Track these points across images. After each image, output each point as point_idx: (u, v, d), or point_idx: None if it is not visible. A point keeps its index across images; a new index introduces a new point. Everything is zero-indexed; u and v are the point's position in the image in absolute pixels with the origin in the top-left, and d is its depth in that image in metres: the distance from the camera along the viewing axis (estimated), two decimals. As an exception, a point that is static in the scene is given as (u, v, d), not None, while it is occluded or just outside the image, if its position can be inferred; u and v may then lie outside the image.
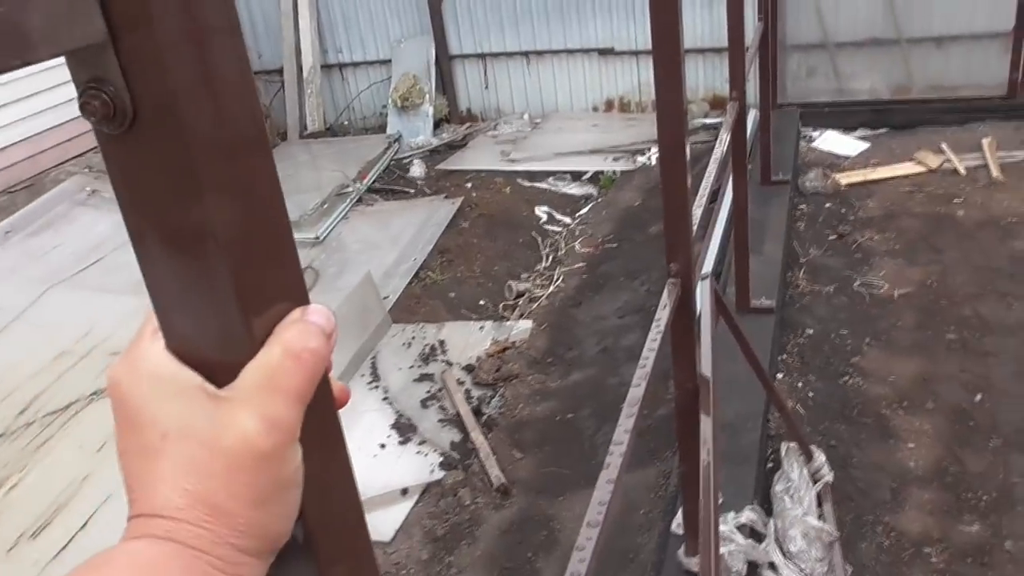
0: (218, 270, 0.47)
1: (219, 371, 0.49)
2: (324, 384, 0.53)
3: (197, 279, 0.48)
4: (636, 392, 1.91)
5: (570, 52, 7.70)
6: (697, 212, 2.96)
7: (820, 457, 3.28)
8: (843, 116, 6.52)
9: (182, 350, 0.50)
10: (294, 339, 0.49)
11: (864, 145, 6.11)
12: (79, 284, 5.58)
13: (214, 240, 0.46)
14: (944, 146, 5.79)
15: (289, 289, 0.52)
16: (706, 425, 2.44)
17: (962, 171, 5.45)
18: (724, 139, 3.48)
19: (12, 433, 4.37)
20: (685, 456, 2.56)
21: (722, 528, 2.81)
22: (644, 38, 7.36)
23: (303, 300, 0.53)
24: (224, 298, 0.48)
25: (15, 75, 6.62)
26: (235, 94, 0.47)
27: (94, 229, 6.17)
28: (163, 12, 0.43)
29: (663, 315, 2.18)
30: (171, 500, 0.46)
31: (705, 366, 2.53)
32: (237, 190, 0.48)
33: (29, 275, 5.68)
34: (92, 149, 7.10)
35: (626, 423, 1.82)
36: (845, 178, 5.58)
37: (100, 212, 6.35)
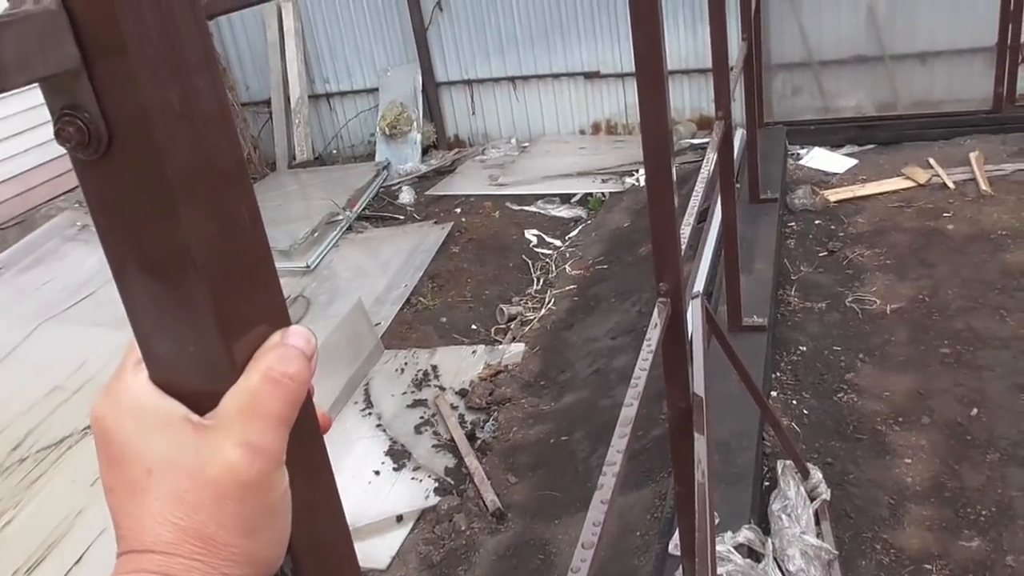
0: (197, 294, 0.47)
1: (202, 399, 0.48)
2: (308, 407, 0.52)
3: (176, 304, 0.48)
4: (628, 412, 1.90)
5: (556, 76, 7.77)
6: (685, 231, 2.96)
7: (817, 475, 3.26)
8: (830, 133, 6.57)
9: (165, 379, 0.49)
10: (274, 363, 0.49)
11: (852, 162, 6.15)
12: (70, 319, 5.55)
13: (192, 264, 0.46)
14: (932, 161, 5.83)
15: (270, 312, 0.51)
16: (700, 444, 2.42)
17: (951, 185, 5.49)
18: (711, 158, 3.50)
19: (6, 469, 4.33)
20: (680, 477, 2.54)
21: (719, 548, 2.79)
22: (629, 61, 7.40)
23: (285, 323, 0.52)
24: (204, 323, 0.47)
25: (6, 111, 6.63)
26: (211, 118, 0.47)
27: (84, 264, 6.15)
28: (137, 38, 0.43)
29: (654, 335, 2.17)
30: (161, 535, 0.45)
31: (698, 385, 2.52)
32: (215, 213, 0.47)
33: (21, 311, 5.65)
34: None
35: (619, 443, 1.80)
36: (834, 195, 5.61)
37: (90, 247, 6.32)
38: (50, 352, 5.23)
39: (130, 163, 0.45)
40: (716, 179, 3.88)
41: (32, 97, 6.56)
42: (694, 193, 3.17)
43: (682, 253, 2.43)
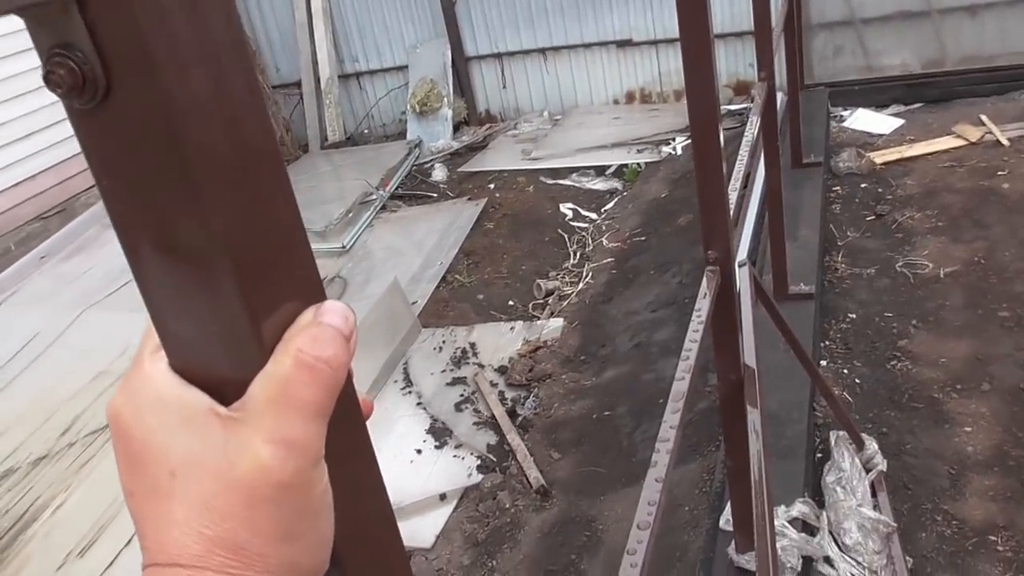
0: (219, 267, 0.40)
1: (229, 388, 0.42)
2: (348, 392, 0.45)
3: (195, 279, 0.41)
4: (680, 386, 1.81)
5: (587, 46, 7.61)
6: (731, 197, 2.85)
7: (872, 445, 3.15)
8: (874, 93, 6.34)
9: (186, 366, 0.43)
10: (307, 346, 0.42)
11: (898, 122, 5.93)
12: (113, 305, 5.60)
13: (211, 232, 0.39)
14: (984, 118, 5.59)
15: (304, 287, 0.44)
16: (754, 416, 2.33)
17: (1005, 142, 5.26)
18: (754, 122, 3.37)
19: (56, 454, 4.39)
20: (732, 451, 2.46)
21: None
22: (662, 27, 7.25)
23: (318, 298, 0.45)
24: (228, 299, 0.40)
25: (44, 101, 6.69)
26: (229, 58, 0.39)
27: (114, 252, 6.20)
28: None
29: (703, 304, 2.08)
30: (188, 547, 0.40)
31: (749, 356, 2.42)
32: (235, 172, 0.40)
33: (64, 299, 5.72)
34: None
35: (671, 419, 1.72)
36: (880, 157, 5.41)
37: (127, 232, 6.37)
38: (94, 338, 5.29)
39: (133, 112, 0.38)
40: (759, 143, 3.75)
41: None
42: (737, 158, 3.06)
43: (730, 218, 2.34)
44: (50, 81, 0.38)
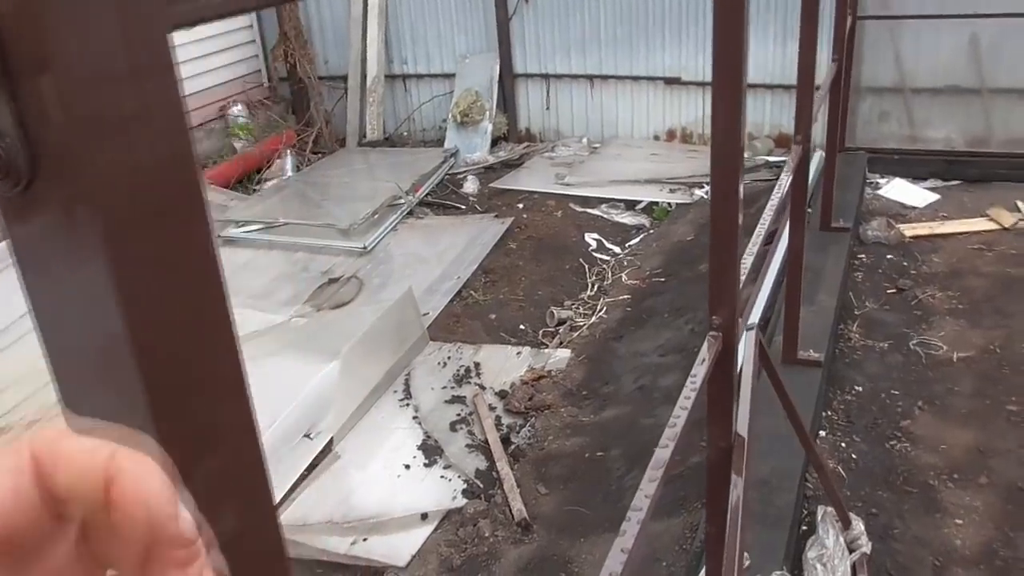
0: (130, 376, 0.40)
1: None
2: None
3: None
4: (662, 454, 1.80)
5: (635, 79, 7.61)
6: (748, 260, 2.84)
7: (858, 525, 3.11)
8: (913, 165, 6.29)
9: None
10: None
11: (933, 196, 5.87)
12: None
13: (127, 339, 0.39)
14: (1020, 204, 5.52)
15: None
16: (737, 487, 2.31)
17: (1037, 232, 5.20)
18: (784, 183, 3.35)
19: (49, 421, 4.43)
20: (712, 517, 2.43)
21: (747, 595, 2.67)
22: (707, 70, 7.23)
23: (234, 384, 0.45)
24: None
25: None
26: (160, 148, 0.39)
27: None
28: (67, 50, 0.35)
29: (700, 371, 2.07)
30: None
31: (742, 425, 2.40)
32: (161, 266, 0.40)
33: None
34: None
35: (648, 488, 1.71)
36: (910, 229, 5.36)
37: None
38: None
39: (56, 200, 0.38)
40: (787, 204, 3.72)
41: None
42: (761, 220, 3.04)
43: (740, 285, 2.32)
44: None
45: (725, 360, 2.23)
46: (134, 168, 0.38)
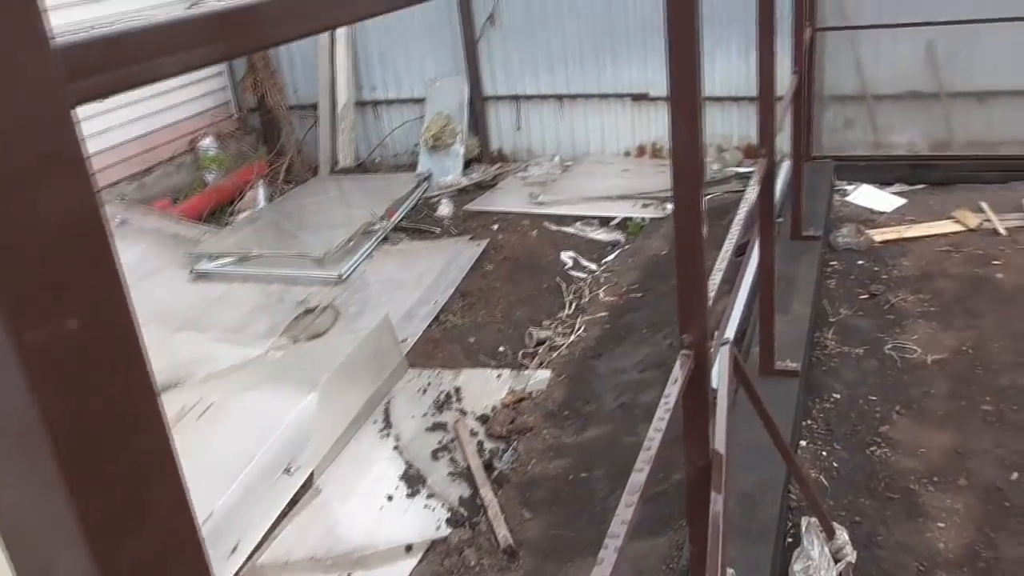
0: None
1: None
2: None
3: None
4: (638, 478, 1.80)
5: (603, 96, 7.68)
6: (717, 276, 2.86)
7: (842, 535, 3.12)
8: (879, 170, 6.37)
9: None
10: None
11: (900, 201, 5.95)
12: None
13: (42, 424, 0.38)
14: (984, 205, 5.61)
15: None
16: (717, 504, 2.31)
17: (1002, 231, 5.27)
18: (750, 197, 3.38)
19: None
20: (695, 535, 2.43)
21: (733, 611, 2.66)
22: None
23: (160, 466, 0.44)
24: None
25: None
26: (62, 210, 0.39)
27: (120, 260, 6.21)
28: None
29: (672, 391, 2.07)
30: None
31: (719, 442, 2.41)
32: (69, 340, 0.39)
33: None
34: (124, 179, 7.20)
35: (624, 513, 1.71)
36: (879, 235, 5.42)
37: (127, 242, 6.40)
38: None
39: None
40: (756, 215, 3.76)
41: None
42: (729, 235, 3.06)
43: (711, 300, 2.33)
44: None
45: (698, 378, 2.23)
46: (32, 233, 0.38)
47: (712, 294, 2.75)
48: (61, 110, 0.39)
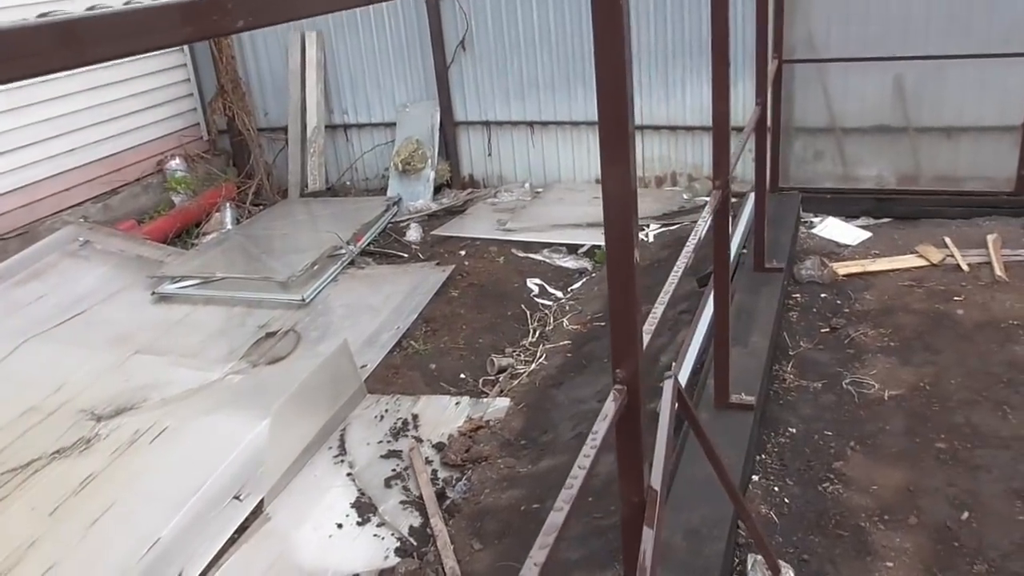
0: None
1: None
2: None
3: None
4: (556, 518, 1.75)
5: (574, 124, 7.70)
6: (659, 309, 2.82)
7: (788, 574, 3.07)
8: (846, 203, 6.40)
9: None
10: None
11: (866, 235, 5.97)
12: (56, 337, 5.50)
13: None
14: (948, 240, 5.64)
15: None
16: (647, 542, 2.26)
17: (964, 267, 5.29)
18: (700, 229, 3.35)
19: (-30, 487, 4.25)
20: (628, 573, 2.37)
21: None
22: (649, 112, 7.36)
23: None
24: None
25: (13, 124, 6.68)
26: None
27: (81, 281, 6.13)
28: None
29: (601, 427, 2.03)
30: None
31: (655, 478, 2.36)
32: None
33: (9, 326, 5.62)
34: (89, 199, 7.12)
35: (538, 555, 1.65)
36: (843, 268, 5.43)
37: (90, 264, 6.32)
38: (31, 370, 5.18)
39: None
40: (710, 247, 3.74)
41: (45, 109, 6.61)
42: (675, 268, 3.03)
43: (644, 343, 2.29)
44: None
45: (631, 415, 2.19)
46: None
47: (652, 328, 2.72)
48: None
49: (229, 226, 7.49)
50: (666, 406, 2.67)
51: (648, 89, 7.31)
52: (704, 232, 3.40)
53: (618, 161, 1.97)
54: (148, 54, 7.51)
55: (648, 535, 2.23)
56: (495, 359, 5.32)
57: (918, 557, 3.20)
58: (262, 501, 4.09)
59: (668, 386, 2.75)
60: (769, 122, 5.43)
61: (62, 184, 6.69)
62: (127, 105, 7.45)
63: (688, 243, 3.23)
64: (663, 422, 2.61)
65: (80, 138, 6.92)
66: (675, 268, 3.00)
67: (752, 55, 5.29)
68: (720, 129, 3.60)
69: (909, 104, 6.36)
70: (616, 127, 1.93)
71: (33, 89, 6.47)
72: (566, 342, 5.46)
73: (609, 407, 2.12)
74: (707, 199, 7.09)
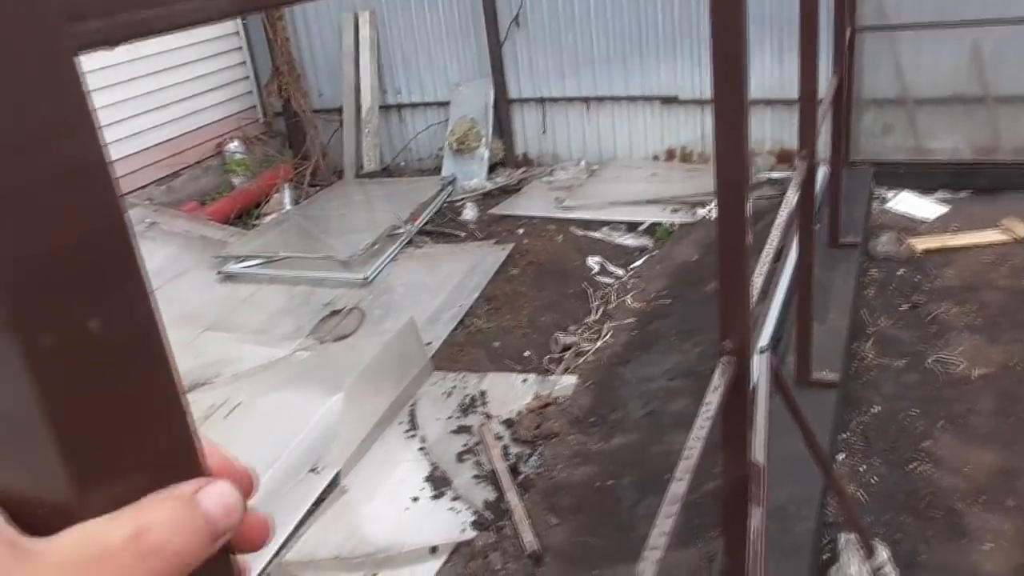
0: (35, 418, 0.32)
1: (47, 513, 0.34)
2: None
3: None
4: (678, 488, 1.69)
5: (631, 99, 7.57)
6: (758, 280, 2.74)
7: (883, 553, 2.98)
8: (921, 177, 6.19)
9: None
10: (157, 525, 0.34)
11: (943, 209, 5.77)
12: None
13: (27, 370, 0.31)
14: (1030, 213, 5.43)
15: (163, 457, 0.37)
16: (756, 518, 2.19)
17: (1051, 242, 5.09)
18: (791, 199, 3.26)
19: None
20: (729, 549, 2.31)
21: (771, 632, 2.54)
22: (708, 88, 7.20)
23: (187, 471, 0.37)
24: (46, 456, 0.33)
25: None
26: (78, 218, 0.33)
27: (149, 261, 6.16)
28: None
29: (713, 398, 1.96)
30: None
31: (758, 452, 2.29)
32: (89, 356, 0.33)
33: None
34: (153, 183, 7.21)
35: (664, 524, 1.60)
36: (921, 243, 5.25)
37: (156, 244, 6.40)
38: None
39: None
40: (794, 221, 3.63)
41: (109, 95, 6.67)
42: (769, 239, 2.95)
43: (752, 307, 2.22)
44: None
45: (739, 385, 2.13)
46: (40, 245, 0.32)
47: (752, 300, 2.64)
48: (62, 58, 0.32)
49: (288, 207, 7.53)
50: (763, 379, 2.60)
51: (703, 63, 7.15)
52: (791, 208, 3.31)
53: (732, 136, 1.90)
54: (204, 38, 7.58)
55: (757, 513, 2.17)
56: (559, 337, 5.27)
57: (1018, 540, 3.08)
58: (338, 474, 4.11)
59: (763, 360, 2.67)
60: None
61: (127, 167, 6.76)
62: (186, 89, 7.51)
63: (779, 215, 3.14)
64: (761, 394, 2.54)
65: (142, 122, 6.99)
66: (769, 240, 2.91)
67: (822, 25, 5.12)
68: (808, 99, 3.49)
69: (987, 72, 6.12)
70: (732, 103, 1.87)
71: (94, 76, 6.53)
72: (630, 320, 5.38)
73: (718, 379, 2.05)
74: (769, 175, 6.96)
